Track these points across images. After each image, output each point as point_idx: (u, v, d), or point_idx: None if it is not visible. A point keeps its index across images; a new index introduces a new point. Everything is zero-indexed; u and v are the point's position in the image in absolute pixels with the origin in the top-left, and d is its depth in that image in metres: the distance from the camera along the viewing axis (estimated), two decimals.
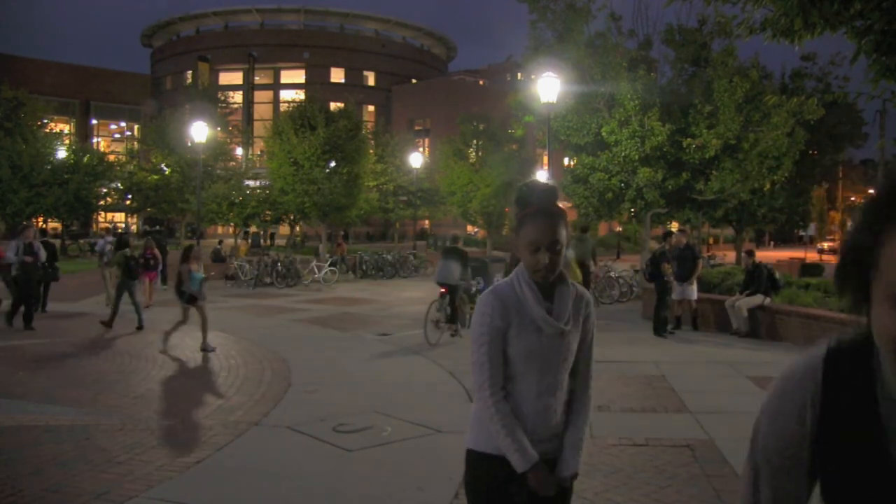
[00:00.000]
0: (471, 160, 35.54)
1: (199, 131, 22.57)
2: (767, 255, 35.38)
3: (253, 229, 37.92)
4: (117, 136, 61.15)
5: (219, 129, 37.96)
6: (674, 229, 16.24)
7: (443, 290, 10.55)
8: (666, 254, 11.33)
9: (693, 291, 11.60)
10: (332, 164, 29.01)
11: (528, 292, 2.04)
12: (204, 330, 9.49)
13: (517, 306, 2.04)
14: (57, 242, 23.33)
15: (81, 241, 36.42)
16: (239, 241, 35.17)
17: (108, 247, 15.16)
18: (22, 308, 11.19)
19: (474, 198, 33.67)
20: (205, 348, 9.40)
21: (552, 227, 2.02)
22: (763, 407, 1.14)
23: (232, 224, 34.06)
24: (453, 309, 10.57)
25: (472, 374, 2.08)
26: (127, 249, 12.12)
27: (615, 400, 6.86)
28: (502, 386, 2.05)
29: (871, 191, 0.98)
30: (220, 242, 26.71)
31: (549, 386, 2.07)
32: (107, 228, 24.85)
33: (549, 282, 2.06)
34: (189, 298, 9.48)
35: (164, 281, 17.92)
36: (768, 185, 19.92)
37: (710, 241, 50.10)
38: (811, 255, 37.61)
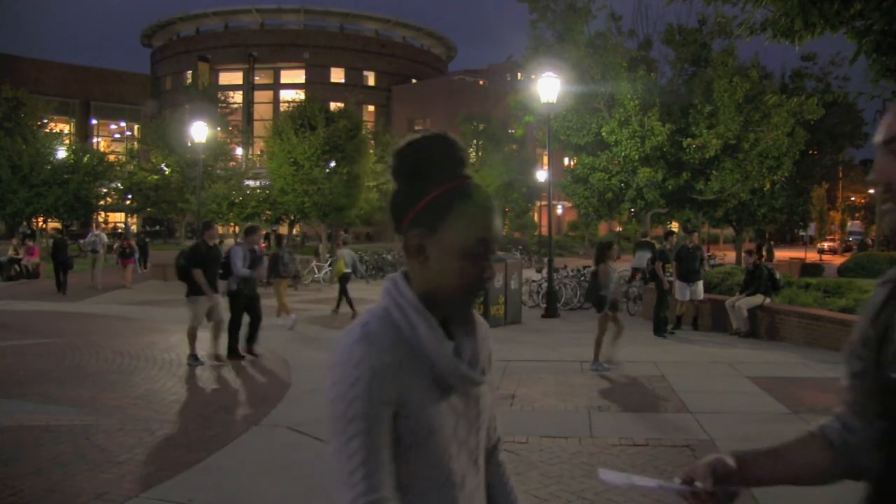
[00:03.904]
0: (471, 160, 35.58)
1: (199, 131, 22.57)
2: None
3: (290, 232, 37.98)
4: (117, 136, 61.09)
5: (219, 129, 37.94)
6: (674, 229, 16.25)
7: (636, 274, 14.36)
8: (665, 253, 11.31)
9: (700, 292, 11.59)
10: (332, 164, 29.02)
11: (423, 328, 1.17)
12: (599, 344, 8.37)
13: (409, 357, 1.16)
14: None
15: (81, 241, 36.45)
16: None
17: (93, 238, 19.76)
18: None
19: None
20: (610, 360, 8.32)
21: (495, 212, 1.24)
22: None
23: (233, 224, 34.06)
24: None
25: (337, 487, 1.10)
26: None
27: (615, 400, 6.86)
28: None
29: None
30: (221, 242, 26.71)
31: (473, 485, 1.23)
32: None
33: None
34: (612, 305, 8.29)
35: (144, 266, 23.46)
36: (768, 185, 19.92)
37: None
38: (811, 255, 37.61)
